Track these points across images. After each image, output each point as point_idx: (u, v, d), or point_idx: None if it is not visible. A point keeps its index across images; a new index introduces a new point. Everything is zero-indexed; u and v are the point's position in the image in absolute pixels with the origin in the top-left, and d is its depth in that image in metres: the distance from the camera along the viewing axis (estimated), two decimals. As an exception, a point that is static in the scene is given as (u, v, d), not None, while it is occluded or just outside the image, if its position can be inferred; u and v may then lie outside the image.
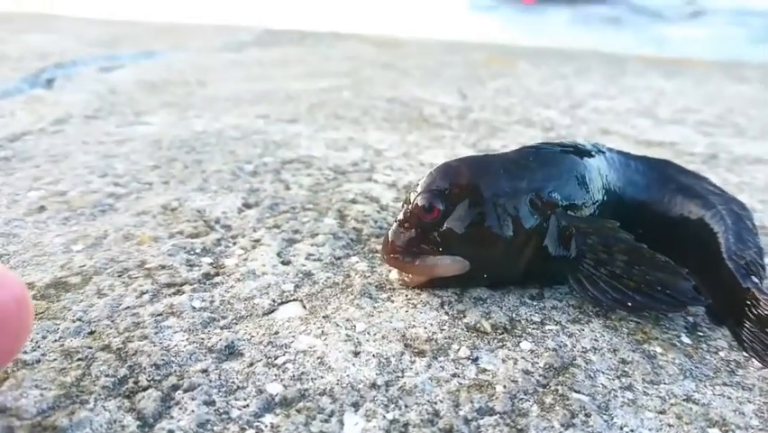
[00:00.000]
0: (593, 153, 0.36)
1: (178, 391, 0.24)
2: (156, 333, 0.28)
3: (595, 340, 0.29)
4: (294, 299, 0.32)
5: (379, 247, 0.38)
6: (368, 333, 0.29)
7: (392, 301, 0.32)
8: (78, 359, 0.26)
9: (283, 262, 0.35)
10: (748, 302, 0.30)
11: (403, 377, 0.26)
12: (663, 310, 0.31)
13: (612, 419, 0.24)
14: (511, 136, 0.68)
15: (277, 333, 0.28)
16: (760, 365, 0.28)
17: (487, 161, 0.34)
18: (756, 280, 0.31)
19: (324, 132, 0.66)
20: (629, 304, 0.30)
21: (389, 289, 0.33)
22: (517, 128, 0.72)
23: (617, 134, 0.72)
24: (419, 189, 0.32)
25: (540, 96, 0.94)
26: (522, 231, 0.31)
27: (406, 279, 0.33)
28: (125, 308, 0.30)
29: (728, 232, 0.34)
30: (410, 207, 0.32)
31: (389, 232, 0.33)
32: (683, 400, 0.26)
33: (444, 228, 0.31)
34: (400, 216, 0.33)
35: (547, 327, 0.30)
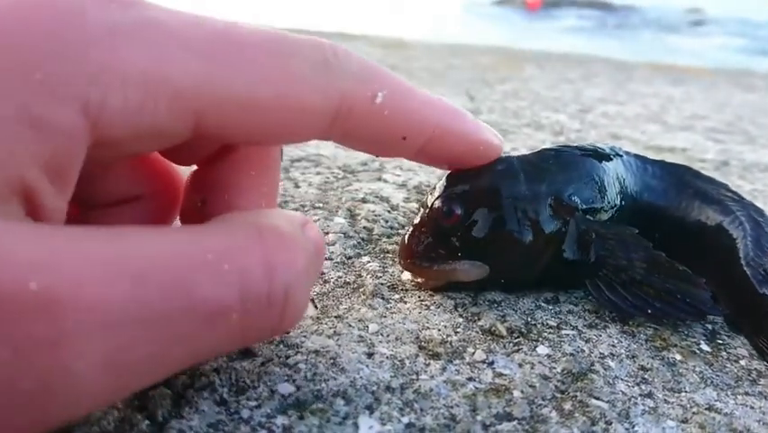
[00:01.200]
0: (611, 157, 0.36)
1: (190, 390, 0.23)
2: (165, 330, 0.27)
3: (613, 346, 0.29)
4: (305, 299, 0.31)
5: (391, 247, 0.37)
6: (381, 334, 0.28)
7: (405, 302, 0.31)
8: (86, 355, 0.25)
9: (293, 261, 0.35)
10: (765, 309, 0.30)
11: (418, 380, 0.25)
12: (682, 318, 0.31)
13: (633, 427, 0.24)
14: (521, 139, 0.68)
15: (288, 332, 0.28)
16: (782, 375, 0.28)
17: (506, 163, 0.33)
18: None
19: (332, 131, 0.65)
20: (649, 311, 0.30)
21: (402, 289, 0.32)
22: (527, 131, 0.72)
23: (627, 139, 0.71)
24: (437, 193, 0.32)
25: (548, 100, 0.94)
26: (542, 235, 0.31)
27: (419, 280, 0.33)
28: (134, 304, 0.29)
29: (747, 238, 0.34)
30: (428, 211, 0.32)
31: (406, 237, 0.32)
32: (705, 409, 0.25)
33: (464, 233, 0.31)
34: (417, 221, 0.32)
35: (564, 332, 0.30)
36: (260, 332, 0.21)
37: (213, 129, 0.20)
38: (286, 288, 0.20)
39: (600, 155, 0.35)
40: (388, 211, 0.43)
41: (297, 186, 0.47)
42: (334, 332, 0.28)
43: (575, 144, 0.36)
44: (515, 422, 0.23)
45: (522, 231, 0.30)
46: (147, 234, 0.18)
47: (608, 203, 0.34)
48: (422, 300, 0.31)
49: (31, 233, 0.16)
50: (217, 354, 0.21)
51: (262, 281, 0.19)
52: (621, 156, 0.37)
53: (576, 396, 0.25)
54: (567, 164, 0.33)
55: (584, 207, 0.32)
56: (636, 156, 0.38)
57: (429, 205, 0.32)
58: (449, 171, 0.32)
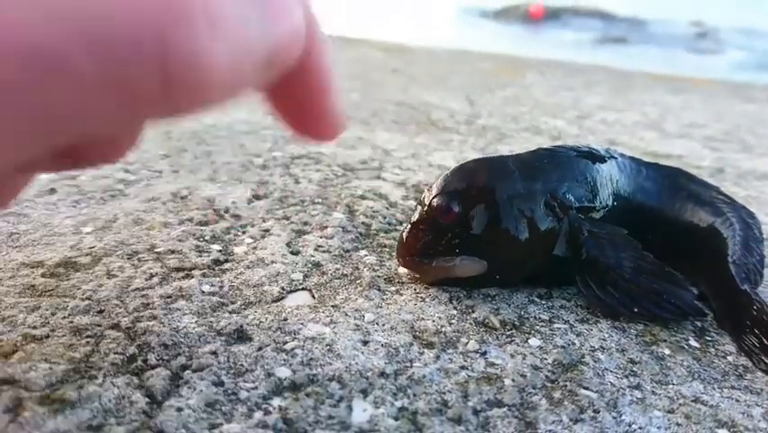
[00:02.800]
0: (606, 158, 0.37)
1: (187, 371, 0.24)
2: (165, 314, 0.28)
3: (603, 340, 0.29)
4: (303, 288, 0.32)
5: (389, 242, 0.38)
6: (376, 323, 0.29)
7: (401, 294, 0.32)
8: (87, 336, 0.26)
9: (292, 252, 0.35)
10: (743, 306, 0.30)
11: (411, 367, 0.26)
12: (667, 318, 0.31)
13: (621, 417, 0.24)
14: (518, 143, 0.68)
15: (285, 319, 0.28)
16: (768, 371, 0.28)
17: (502, 162, 0.33)
18: (752, 285, 0.31)
19: (332, 130, 0.66)
20: (636, 310, 0.31)
21: (398, 282, 0.33)
22: (525, 135, 0.73)
23: (624, 146, 0.72)
24: (435, 191, 0.32)
25: (547, 106, 0.94)
26: (537, 232, 0.31)
27: (416, 275, 0.33)
28: (135, 290, 0.30)
29: (736, 238, 0.34)
30: (425, 208, 0.32)
31: (404, 234, 0.33)
32: (692, 400, 0.26)
33: (461, 230, 0.31)
34: (415, 218, 0.33)
35: (555, 326, 0.30)
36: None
37: None
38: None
39: (595, 156, 0.36)
40: (387, 208, 0.44)
41: (297, 182, 0.47)
42: (331, 320, 0.29)
43: (571, 145, 0.36)
44: (505, 408, 0.24)
45: (518, 228, 0.31)
46: None
47: (601, 203, 0.34)
48: (417, 293, 0.32)
49: None
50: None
51: None
52: (615, 158, 0.37)
53: (566, 385, 0.26)
54: (562, 164, 0.34)
55: (577, 205, 0.33)
56: (631, 158, 0.39)
57: (427, 203, 0.32)
58: (446, 171, 0.33)
